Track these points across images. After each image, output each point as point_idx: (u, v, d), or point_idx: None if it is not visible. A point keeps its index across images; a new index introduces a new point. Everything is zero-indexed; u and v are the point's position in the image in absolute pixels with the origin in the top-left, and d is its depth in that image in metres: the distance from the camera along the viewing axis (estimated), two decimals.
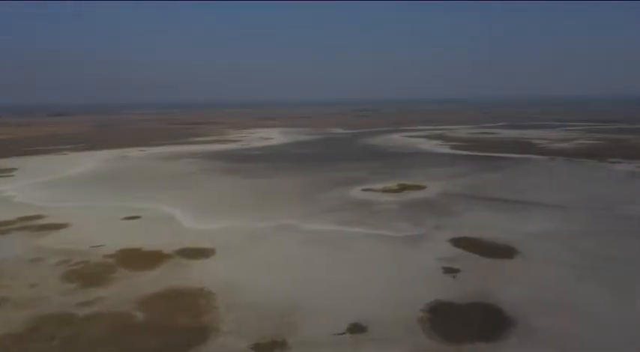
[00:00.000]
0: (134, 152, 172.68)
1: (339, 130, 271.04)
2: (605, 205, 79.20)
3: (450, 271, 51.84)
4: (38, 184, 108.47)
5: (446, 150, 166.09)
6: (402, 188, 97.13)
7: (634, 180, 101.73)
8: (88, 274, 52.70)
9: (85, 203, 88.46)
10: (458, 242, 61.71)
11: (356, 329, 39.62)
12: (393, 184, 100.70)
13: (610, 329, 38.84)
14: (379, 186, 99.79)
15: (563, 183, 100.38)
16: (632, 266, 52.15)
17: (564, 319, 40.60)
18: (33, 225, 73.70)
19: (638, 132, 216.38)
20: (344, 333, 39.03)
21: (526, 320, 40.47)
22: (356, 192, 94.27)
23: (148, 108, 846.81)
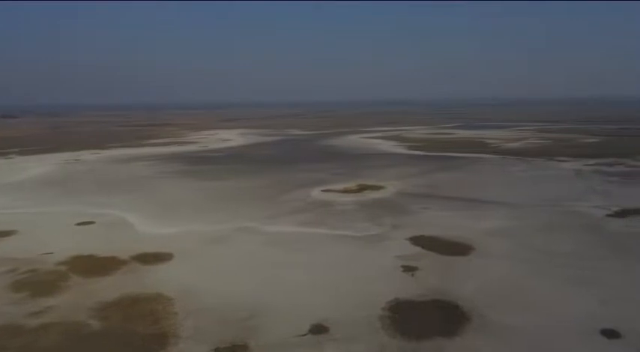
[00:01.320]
0: (88, 155, 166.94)
1: (299, 132, 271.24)
2: (555, 202, 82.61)
3: (409, 269, 52.78)
4: None
5: (403, 150, 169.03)
6: (362, 188, 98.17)
7: (580, 178, 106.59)
8: (38, 283, 50.47)
9: (35, 209, 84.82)
10: (416, 240, 62.92)
11: (318, 329, 39.72)
12: (352, 185, 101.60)
13: (562, 320, 40.51)
14: (339, 186, 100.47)
15: (514, 182, 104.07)
16: (582, 261, 54.59)
17: (518, 312, 42.07)
18: None
19: (583, 131, 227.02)
20: (306, 334, 39.06)
21: (482, 314, 41.71)
22: (316, 193, 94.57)
23: (138, 109, 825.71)
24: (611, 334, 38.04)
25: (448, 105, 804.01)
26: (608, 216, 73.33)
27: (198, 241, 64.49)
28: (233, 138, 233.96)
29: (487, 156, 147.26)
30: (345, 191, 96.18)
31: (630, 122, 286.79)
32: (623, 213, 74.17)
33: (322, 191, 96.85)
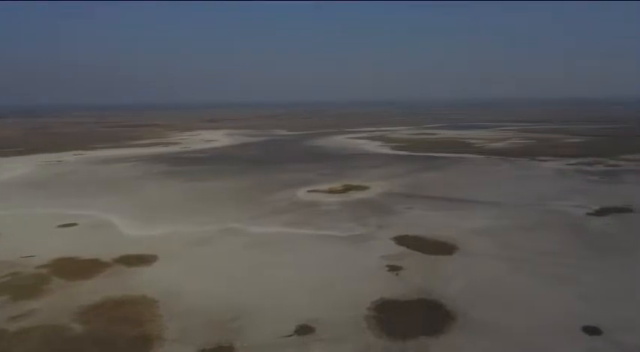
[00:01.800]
0: (69, 156, 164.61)
1: (284, 132, 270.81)
2: (537, 201, 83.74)
3: (394, 269, 53.05)
4: None
5: (388, 151, 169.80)
6: (347, 189, 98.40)
7: (562, 177, 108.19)
8: (19, 286, 49.64)
9: (16, 211, 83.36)
10: (401, 240, 63.27)
11: (304, 330, 39.74)
12: (337, 185, 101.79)
13: (545, 318, 41.09)
14: (324, 187, 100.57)
15: (498, 181, 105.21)
16: (564, 259, 55.46)
17: (501, 310, 42.59)
18: None
19: (565, 131, 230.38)
20: (292, 335, 39.05)
21: (466, 313, 42.12)
22: (302, 194, 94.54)
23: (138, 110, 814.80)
24: (592, 331, 38.72)
25: (448, 106, 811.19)
26: (589, 214, 74.60)
27: (183, 242, 64.04)
28: (218, 138, 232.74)
29: (471, 156, 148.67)
30: (331, 191, 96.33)
31: (613, 122, 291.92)
32: (602, 212, 75.55)
33: (308, 191, 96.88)
